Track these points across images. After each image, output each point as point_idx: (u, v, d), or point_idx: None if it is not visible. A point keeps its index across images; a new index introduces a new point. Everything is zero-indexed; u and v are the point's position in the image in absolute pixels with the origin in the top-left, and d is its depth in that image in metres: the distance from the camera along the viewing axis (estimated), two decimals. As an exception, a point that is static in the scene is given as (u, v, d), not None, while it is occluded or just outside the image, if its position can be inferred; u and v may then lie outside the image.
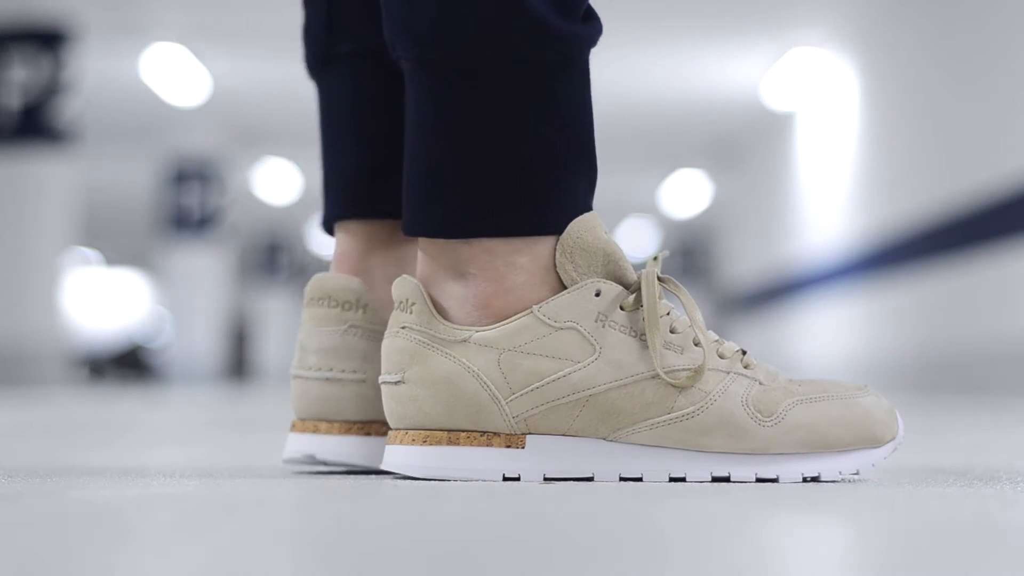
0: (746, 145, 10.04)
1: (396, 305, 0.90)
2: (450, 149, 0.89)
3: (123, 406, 3.70)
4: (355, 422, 0.95)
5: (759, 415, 0.89)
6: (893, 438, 0.92)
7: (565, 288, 0.89)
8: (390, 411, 0.89)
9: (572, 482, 0.88)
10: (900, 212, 6.15)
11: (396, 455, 0.88)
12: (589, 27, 0.90)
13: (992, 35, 5.14)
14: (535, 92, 0.89)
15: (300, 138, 10.88)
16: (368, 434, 0.95)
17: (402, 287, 0.89)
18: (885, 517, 0.67)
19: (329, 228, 1.01)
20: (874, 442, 0.91)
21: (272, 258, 15.74)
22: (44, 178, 6.27)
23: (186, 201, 10.44)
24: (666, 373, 0.88)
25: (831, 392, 0.92)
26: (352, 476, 0.93)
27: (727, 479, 0.89)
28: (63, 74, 6.26)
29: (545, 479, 0.88)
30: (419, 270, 0.91)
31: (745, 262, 10.23)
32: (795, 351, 8.18)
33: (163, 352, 12.81)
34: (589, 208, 0.91)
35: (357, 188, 0.99)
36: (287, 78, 8.98)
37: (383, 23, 0.92)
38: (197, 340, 10.42)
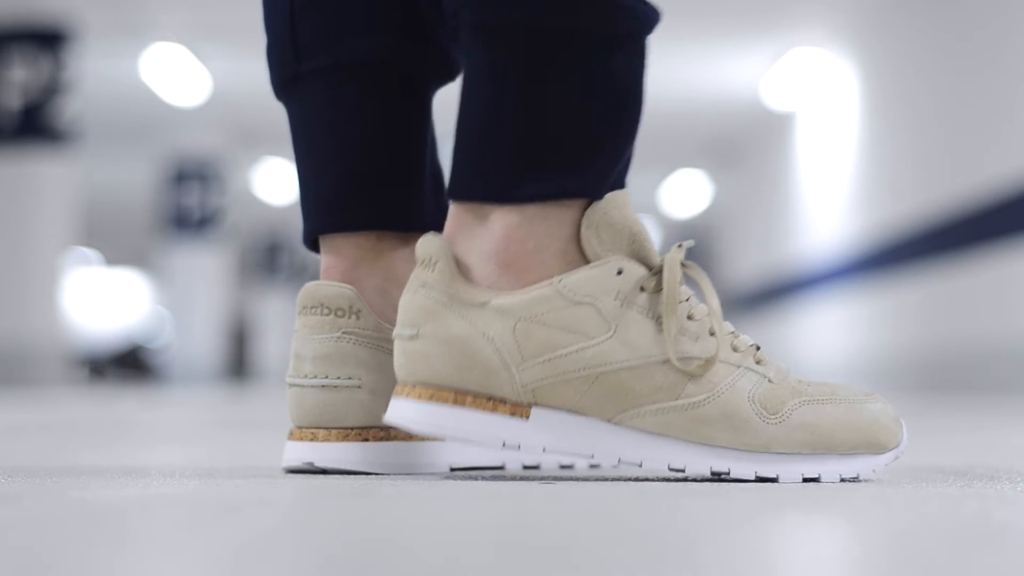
0: (746, 145, 10.04)
1: (419, 262, 0.89)
2: (508, 115, 0.89)
3: (123, 406, 3.70)
4: (352, 428, 0.95)
5: (764, 412, 0.89)
6: (896, 446, 0.92)
7: (586, 261, 0.89)
8: (400, 365, 0.89)
9: (570, 481, 0.88)
10: (900, 212, 6.15)
11: (400, 407, 0.88)
12: (653, 9, 0.92)
13: (992, 34, 5.14)
14: (596, 63, 0.90)
15: (300, 138, 10.87)
16: (366, 440, 0.95)
17: (428, 245, 0.89)
18: (885, 517, 0.67)
19: (313, 244, 1.02)
20: (878, 448, 0.91)
21: (272, 258, 15.74)
22: (44, 178, 6.27)
23: (186, 201, 10.44)
24: (678, 360, 0.88)
25: (839, 395, 0.92)
26: (352, 476, 0.93)
27: (726, 475, 0.89)
28: (63, 74, 6.26)
29: (544, 451, 0.88)
30: (447, 227, 0.91)
31: (745, 262, 10.23)
32: (795, 351, 8.18)
33: (163, 352, 12.82)
34: (623, 186, 0.93)
35: (339, 202, 0.99)
36: (287, 78, 8.96)
37: None
38: (197, 340, 10.42)
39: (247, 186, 12.90)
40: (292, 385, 0.98)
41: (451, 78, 1.03)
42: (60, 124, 6.25)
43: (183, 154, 10.39)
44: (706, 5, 6.99)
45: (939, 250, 5.58)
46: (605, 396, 0.87)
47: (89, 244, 18.03)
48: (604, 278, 0.88)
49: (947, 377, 5.38)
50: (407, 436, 0.96)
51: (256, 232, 15.77)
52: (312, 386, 0.96)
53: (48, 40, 6.24)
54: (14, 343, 6.16)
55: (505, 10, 0.89)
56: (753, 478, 0.89)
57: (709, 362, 0.89)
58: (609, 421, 0.88)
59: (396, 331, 0.90)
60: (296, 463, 0.96)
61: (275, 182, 12.81)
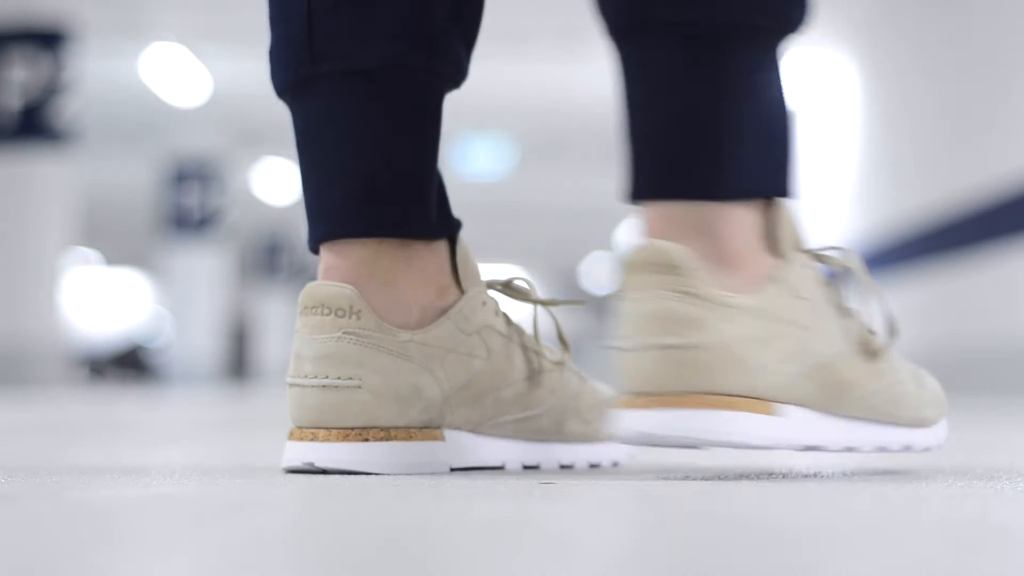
0: (746, 145, 10.03)
1: (653, 269, 0.88)
2: (718, 112, 0.91)
3: (123, 406, 3.70)
4: (353, 428, 0.95)
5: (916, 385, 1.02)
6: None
7: (771, 257, 0.93)
8: (669, 374, 0.87)
9: (570, 481, 0.88)
10: (901, 211, 6.15)
11: (665, 416, 0.88)
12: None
13: (993, 34, 5.14)
14: (777, 58, 0.93)
15: (300, 138, 10.88)
16: (366, 440, 0.95)
17: (670, 252, 0.88)
18: (885, 517, 0.67)
19: (316, 248, 1.02)
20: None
21: (272, 258, 15.75)
22: (44, 178, 6.28)
23: (186, 201, 10.45)
24: (867, 344, 0.97)
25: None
26: (352, 476, 0.93)
27: (914, 448, 0.99)
28: (63, 74, 6.26)
29: (805, 448, 0.91)
30: (656, 232, 0.91)
31: (745, 262, 10.23)
32: (795, 351, 8.17)
33: (163, 352, 12.82)
34: None
35: (349, 209, 0.98)
36: (287, 78, 8.96)
37: None
38: (197, 340, 10.42)
39: (247, 186, 12.90)
40: (292, 385, 0.97)
41: (458, 85, 1.02)
42: (60, 124, 6.26)
43: (183, 154, 10.40)
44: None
45: (940, 250, 5.58)
46: (824, 387, 0.92)
47: (89, 244, 18.04)
48: (808, 272, 0.93)
49: (947, 377, 5.38)
50: (407, 436, 0.96)
51: (256, 232, 15.78)
52: (313, 386, 0.96)
53: (48, 40, 6.24)
54: (14, 343, 6.16)
55: (722, 8, 0.90)
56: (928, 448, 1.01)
57: (885, 344, 0.97)
58: (829, 412, 0.92)
59: (655, 340, 0.87)
60: (296, 463, 0.96)
61: (275, 182, 12.81)
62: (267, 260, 15.77)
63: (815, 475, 0.89)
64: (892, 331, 1.00)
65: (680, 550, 0.55)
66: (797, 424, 0.90)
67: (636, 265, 0.89)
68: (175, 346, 10.57)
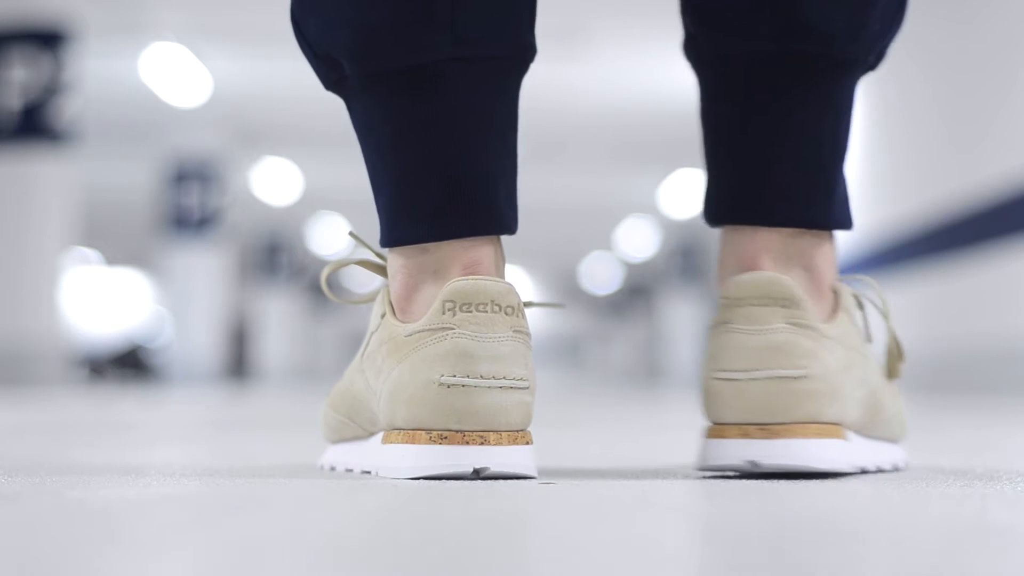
0: (746, 145, 10.03)
1: (769, 301, 0.91)
2: (838, 145, 0.96)
3: (123, 406, 3.70)
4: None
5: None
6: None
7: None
8: (806, 409, 0.90)
9: (569, 481, 0.88)
10: (900, 212, 6.15)
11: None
12: None
13: (992, 34, 5.14)
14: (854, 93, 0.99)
15: (300, 138, 10.91)
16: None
17: (786, 285, 0.91)
18: (885, 517, 0.67)
19: (411, 241, 0.93)
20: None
21: (272, 258, 15.75)
22: (44, 178, 6.28)
23: (186, 201, 10.45)
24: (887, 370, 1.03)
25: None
26: (352, 476, 0.93)
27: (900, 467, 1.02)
28: (63, 74, 6.26)
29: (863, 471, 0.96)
30: (753, 261, 0.94)
31: (745, 262, 10.22)
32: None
33: (163, 352, 12.82)
34: None
35: (488, 201, 0.92)
36: (287, 78, 8.99)
37: (769, 22, 0.93)
38: (197, 340, 10.42)
39: (247, 186, 12.90)
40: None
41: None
42: (60, 124, 6.26)
43: (183, 154, 10.40)
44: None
45: (939, 250, 5.58)
46: (869, 411, 0.97)
47: (89, 244, 18.04)
48: (852, 301, 0.98)
49: (947, 377, 5.38)
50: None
51: (256, 232, 15.78)
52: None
53: (48, 40, 6.24)
54: (14, 343, 6.16)
55: (869, 44, 0.95)
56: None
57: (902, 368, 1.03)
58: (865, 435, 0.97)
59: (776, 372, 0.90)
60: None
61: (275, 182, 12.81)
62: (267, 260, 15.77)
63: (813, 477, 0.89)
64: (901, 355, 1.03)
65: (680, 550, 0.55)
66: (857, 448, 0.95)
67: (750, 298, 0.91)
68: (175, 346, 10.57)
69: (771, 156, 0.94)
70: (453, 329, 0.88)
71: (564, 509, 0.71)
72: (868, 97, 6.85)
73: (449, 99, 0.91)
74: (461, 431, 0.87)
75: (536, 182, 13.23)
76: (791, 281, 0.91)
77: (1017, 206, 4.76)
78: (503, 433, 0.87)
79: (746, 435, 0.89)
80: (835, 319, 0.94)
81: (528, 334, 0.90)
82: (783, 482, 0.88)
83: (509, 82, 0.93)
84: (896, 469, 1.01)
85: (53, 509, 0.69)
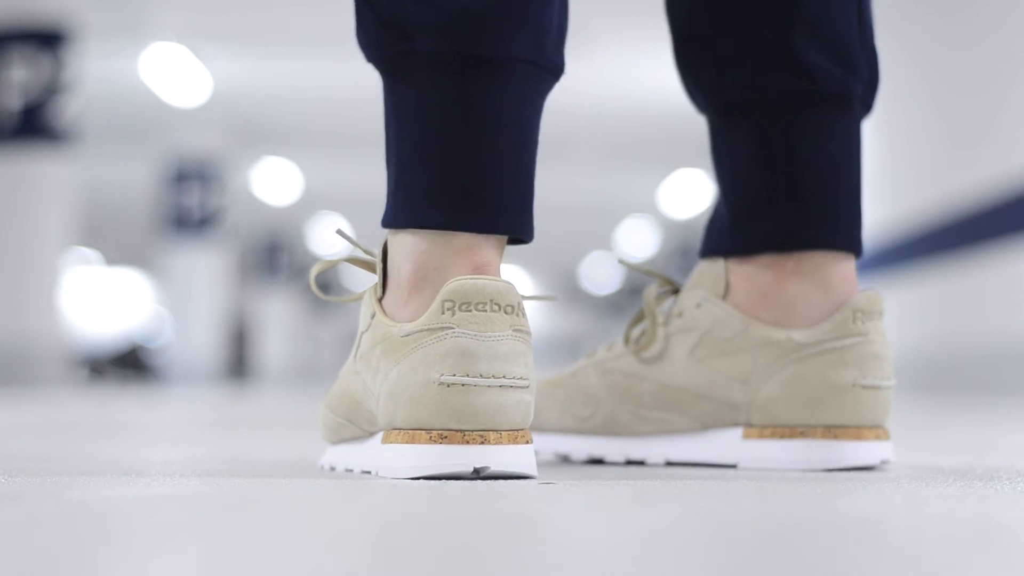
0: (746, 145, 10.02)
1: (881, 316, 1.05)
2: (859, 174, 1.09)
3: (123, 406, 3.70)
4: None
5: None
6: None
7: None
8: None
9: (569, 481, 0.88)
10: (900, 212, 6.15)
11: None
12: None
13: (991, 34, 5.14)
14: None
15: (300, 138, 10.90)
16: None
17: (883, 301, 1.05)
18: (885, 517, 0.67)
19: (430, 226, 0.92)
20: None
21: (272, 258, 15.74)
22: (44, 178, 6.28)
23: (186, 201, 10.44)
24: None
25: None
26: (351, 477, 0.93)
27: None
28: (63, 74, 6.26)
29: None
30: (853, 282, 1.06)
31: (745, 262, 10.22)
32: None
33: (163, 352, 12.82)
34: None
35: (513, 203, 0.94)
36: (287, 78, 8.99)
37: (812, 61, 1.07)
38: (197, 340, 10.42)
39: (247, 186, 12.90)
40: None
41: None
42: (60, 124, 6.25)
43: (183, 154, 10.40)
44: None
45: (939, 250, 5.58)
46: None
47: (89, 244, 18.03)
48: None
49: (947, 377, 5.38)
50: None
51: (256, 232, 15.78)
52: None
53: (48, 40, 6.24)
54: (14, 343, 6.16)
55: (877, 86, 1.09)
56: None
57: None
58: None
59: (869, 380, 1.04)
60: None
61: (275, 182, 12.80)
62: (267, 260, 15.76)
63: (812, 477, 0.89)
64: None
65: (680, 550, 0.55)
66: None
67: (880, 312, 1.05)
68: (175, 346, 10.57)
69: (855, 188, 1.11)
70: (453, 328, 0.87)
71: (564, 509, 0.71)
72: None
73: (519, 97, 0.92)
74: (461, 431, 0.87)
75: (536, 182, 13.19)
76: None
77: (1017, 206, 4.76)
78: (503, 432, 0.87)
79: (876, 437, 1.04)
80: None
81: (528, 333, 0.90)
82: (783, 482, 0.88)
83: (544, 98, 0.97)
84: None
85: (53, 509, 0.69)
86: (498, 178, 0.92)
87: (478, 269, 0.91)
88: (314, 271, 1.03)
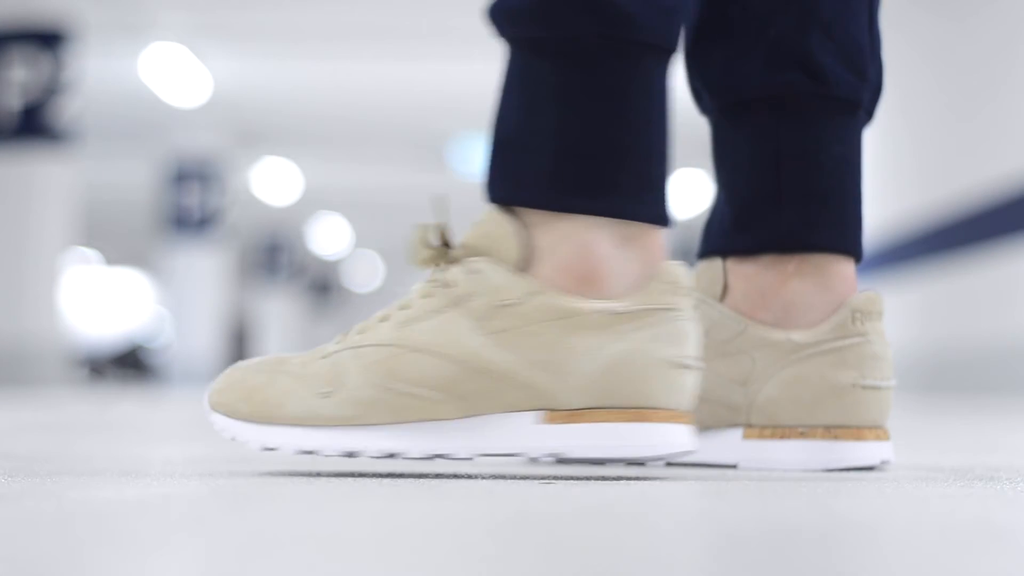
0: (746, 145, 10.03)
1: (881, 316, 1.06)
2: (861, 179, 1.09)
3: (123, 406, 3.70)
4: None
5: None
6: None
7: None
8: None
9: (569, 481, 0.88)
10: (900, 211, 6.15)
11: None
12: None
13: (991, 35, 5.14)
14: None
15: (300, 138, 10.90)
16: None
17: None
18: (885, 517, 0.67)
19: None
20: None
21: (272, 258, 15.74)
22: (44, 178, 6.28)
23: (186, 201, 10.45)
24: None
25: None
26: (352, 476, 0.93)
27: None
28: (63, 74, 6.26)
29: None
30: (853, 283, 1.07)
31: (745, 262, 10.22)
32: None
33: (163, 352, 12.82)
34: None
35: (655, 188, 0.94)
36: (287, 78, 8.98)
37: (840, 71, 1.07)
38: (197, 340, 10.42)
39: (247, 186, 12.90)
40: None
41: None
42: (60, 124, 6.26)
43: (183, 154, 10.40)
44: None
45: (939, 250, 5.58)
46: None
47: (89, 244, 18.03)
48: None
49: (947, 377, 5.38)
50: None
51: (256, 232, 15.77)
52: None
53: (48, 40, 6.24)
54: (14, 343, 6.16)
55: (881, 95, 1.11)
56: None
57: None
58: None
59: (874, 382, 1.04)
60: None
61: (275, 182, 12.80)
62: (267, 260, 15.76)
63: (812, 477, 0.89)
64: None
65: (680, 550, 0.55)
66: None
67: (880, 312, 1.05)
68: (175, 346, 10.57)
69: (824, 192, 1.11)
70: (680, 310, 0.91)
71: (564, 509, 0.71)
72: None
73: (652, 79, 0.93)
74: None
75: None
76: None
77: (1017, 206, 4.76)
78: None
79: (878, 438, 1.05)
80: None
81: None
82: (782, 482, 0.88)
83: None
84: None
85: (53, 509, 0.69)
86: (665, 170, 0.93)
87: (655, 257, 0.92)
88: (425, 233, 0.93)
